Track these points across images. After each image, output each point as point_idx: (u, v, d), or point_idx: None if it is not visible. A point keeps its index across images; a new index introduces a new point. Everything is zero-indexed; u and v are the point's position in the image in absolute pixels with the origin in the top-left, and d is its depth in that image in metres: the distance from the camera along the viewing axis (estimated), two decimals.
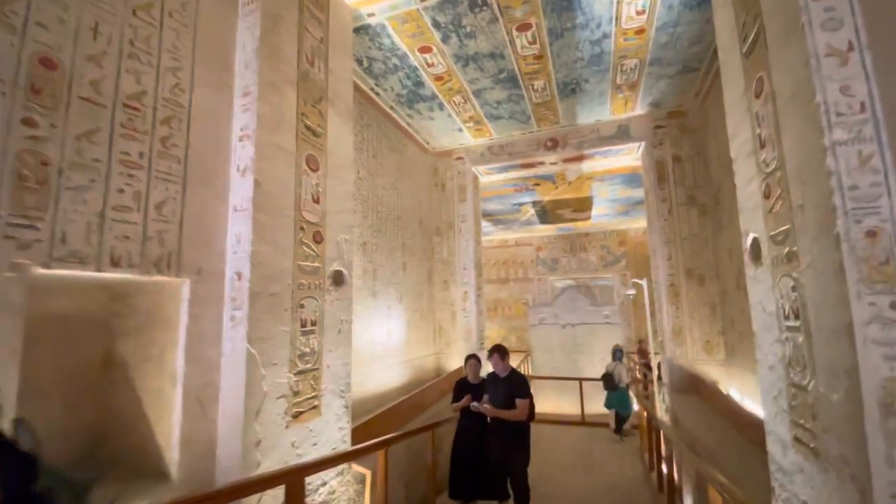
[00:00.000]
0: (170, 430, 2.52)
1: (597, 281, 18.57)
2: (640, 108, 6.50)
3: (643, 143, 6.73)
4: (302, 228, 3.10)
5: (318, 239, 3.26)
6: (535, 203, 11.20)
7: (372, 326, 5.48)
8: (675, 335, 6.21)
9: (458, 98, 6.01)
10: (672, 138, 6.53)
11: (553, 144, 7.15)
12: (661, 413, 6.91)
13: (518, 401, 3.48)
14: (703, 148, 6.29)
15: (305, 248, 3.12)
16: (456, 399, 4.13)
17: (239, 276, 2.69)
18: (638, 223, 14.49)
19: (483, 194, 10.11)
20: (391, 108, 6.24)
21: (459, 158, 7.80)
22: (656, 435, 5.37)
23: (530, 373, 11.73)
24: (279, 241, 2.90)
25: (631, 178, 9.24)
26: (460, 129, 7.07)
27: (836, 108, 1.69)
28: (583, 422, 8.86)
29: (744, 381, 5.36)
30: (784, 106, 2.00)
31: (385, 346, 5.78)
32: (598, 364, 10.15)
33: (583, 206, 11.53)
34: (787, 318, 2.07)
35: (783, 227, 2.04)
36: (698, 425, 4.71)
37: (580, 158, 7.37)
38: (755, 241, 2.39)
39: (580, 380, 9.19)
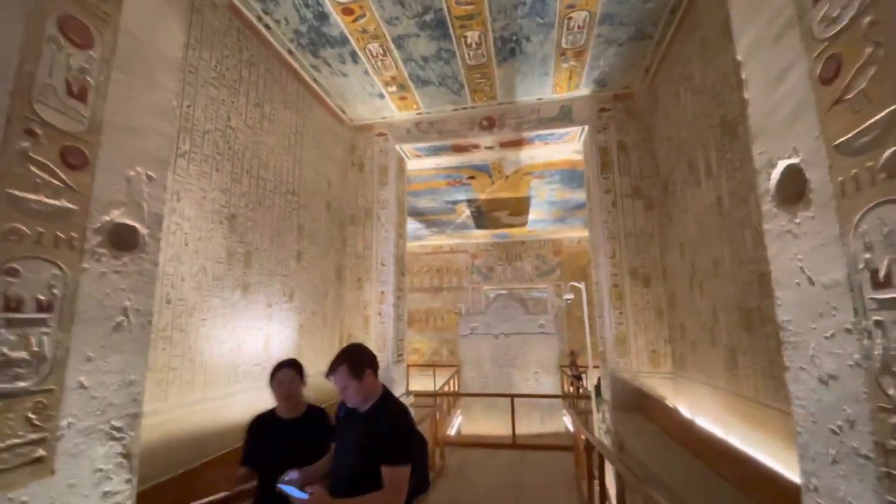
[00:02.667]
0: None
1: (531, 292, 18.16)
2: (584, 87, 5.78)
3: (586, 128, 6.02)
4: (31, 133, 1.70)
5: (77, 162, 1.86)
6: (470, 202, 10.30)
7: (239, 331, 4.02)
8: (618, 344, 5.42)
9: (375, 46, 4.85)
10: (617, 123, 5.88)
11: (489, 124, 6.23)
12: (599, 433, 6.08)
13: (386, 471, 1.73)
14: (651, 135, 5.69)
15: (38, 172, 1.72)
16: (246, 457, 2.24)
17: None
18: (573, 232, 14.22)
19: (413, 187, 9.01)
20: (289, 51, 4.93)
21: (382, 134, 6.62)
22: (599, 463, 4.45)
23: (458, 389, 10.64)
24: None
25: (570, 177, 8.64)
26: (382, 95, 5.91)
27: None
28: (514, 444, 7.87)
29: (693, 397, 4.63)
30: None
31: (262, 358, 4.34)
32: (530, 378, 9.31)
33: (520, 208, 10.85)
34: (879, 285, 1.13)
35: (877, 116, 1.12)
36: (649, 452, 3.81)
37: (518, 144, 6.52)
38: (792, 170, 1.46)
39: (511, 396, 8.25)
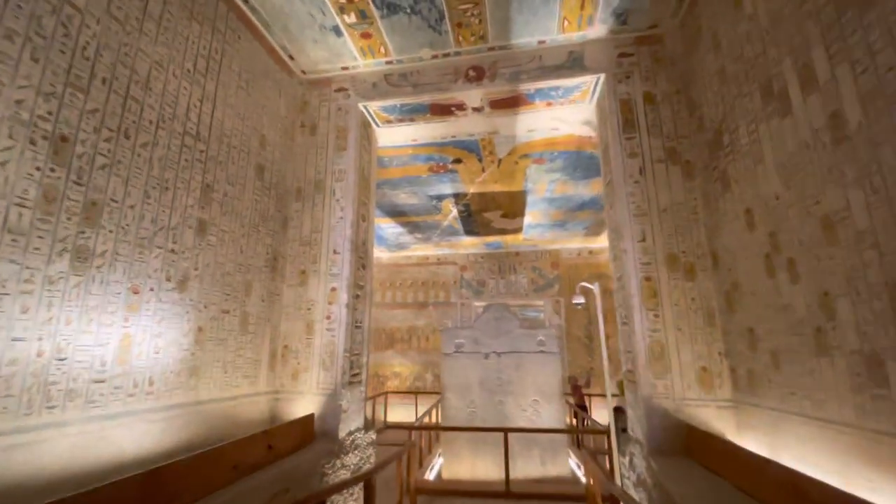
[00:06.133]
0: None
1: (525, 311, 16.58)
2: (600, 23, 4.48)
3: (602, 78, 4.68)
4: None
5: None
6: (457, 197, 8.89)
7: (61, 324, 2.45)
8: (655, 359, 3.89)
9: None
10: (642, 71, 4.56)
11: (478, 75, 4.88)
12: (627, 486, 4.44)
13: None
14: (688, 84, 4.35)
15: None
16: None
17: None
18: (573, 241, 12.83)
19: (388, 174, 7.59)
20: None
21: (342, 90, 5.24)
22: None
23: (439, 421, 8.93)
24: None
25: (576, 163, 7.29)
26: (338, 31, 4.55)
27: None
28: (507, 493, 6.18)
29: (777, 437, 3.09)
30: None
31: (111, 371, 2.76)
32: (528, 408, 7.65)
33: (515, 206, 9.45)
34: None
35: None
36: None
37: (515, 103, 5.17)
38: None
39: (505, 430, 6.59)
